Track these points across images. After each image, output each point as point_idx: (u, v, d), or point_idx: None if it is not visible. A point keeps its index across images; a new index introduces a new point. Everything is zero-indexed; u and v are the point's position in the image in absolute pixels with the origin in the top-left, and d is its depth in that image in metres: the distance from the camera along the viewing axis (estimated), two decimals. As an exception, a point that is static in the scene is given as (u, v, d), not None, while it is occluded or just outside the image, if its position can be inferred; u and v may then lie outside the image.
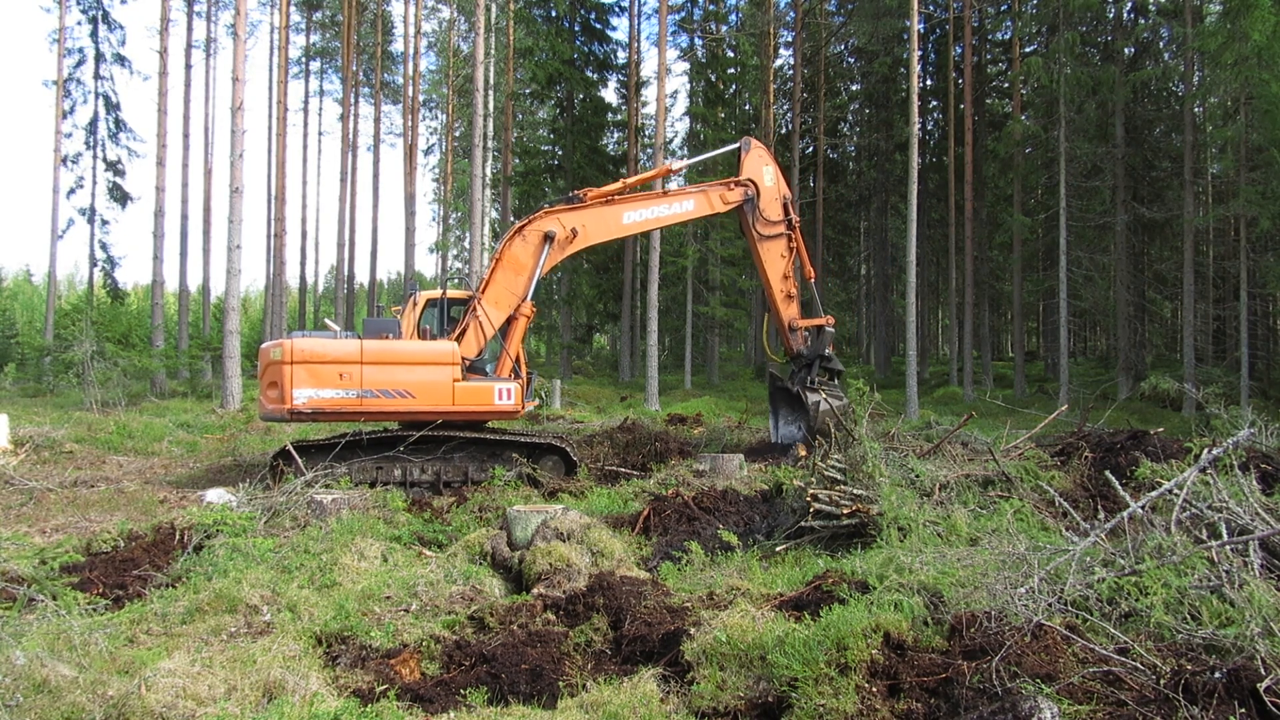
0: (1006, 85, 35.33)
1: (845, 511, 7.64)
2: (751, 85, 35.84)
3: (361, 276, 45.64)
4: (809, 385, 13.98)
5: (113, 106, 34.51)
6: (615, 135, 40.42)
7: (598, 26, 34.35)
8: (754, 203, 13.83)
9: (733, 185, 13.81)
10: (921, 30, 34.57)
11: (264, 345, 12.34)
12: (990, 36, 36.51)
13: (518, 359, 12.47)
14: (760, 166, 14.01)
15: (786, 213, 14.13)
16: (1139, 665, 4.21)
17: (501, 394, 11.92)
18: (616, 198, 13.10)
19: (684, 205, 13.58)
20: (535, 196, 31.05)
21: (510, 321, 12.51)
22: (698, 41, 35.91)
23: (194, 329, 36.83)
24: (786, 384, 14.41)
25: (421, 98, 45.16)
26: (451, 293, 12.80)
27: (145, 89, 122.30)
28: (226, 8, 37.71)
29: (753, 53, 33.68)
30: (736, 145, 14.38)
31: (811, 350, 14.28)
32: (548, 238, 12.43)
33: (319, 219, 68.59)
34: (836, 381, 14.52)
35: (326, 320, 15.63)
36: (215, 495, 10.30)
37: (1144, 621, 4.87)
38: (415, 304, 12.62)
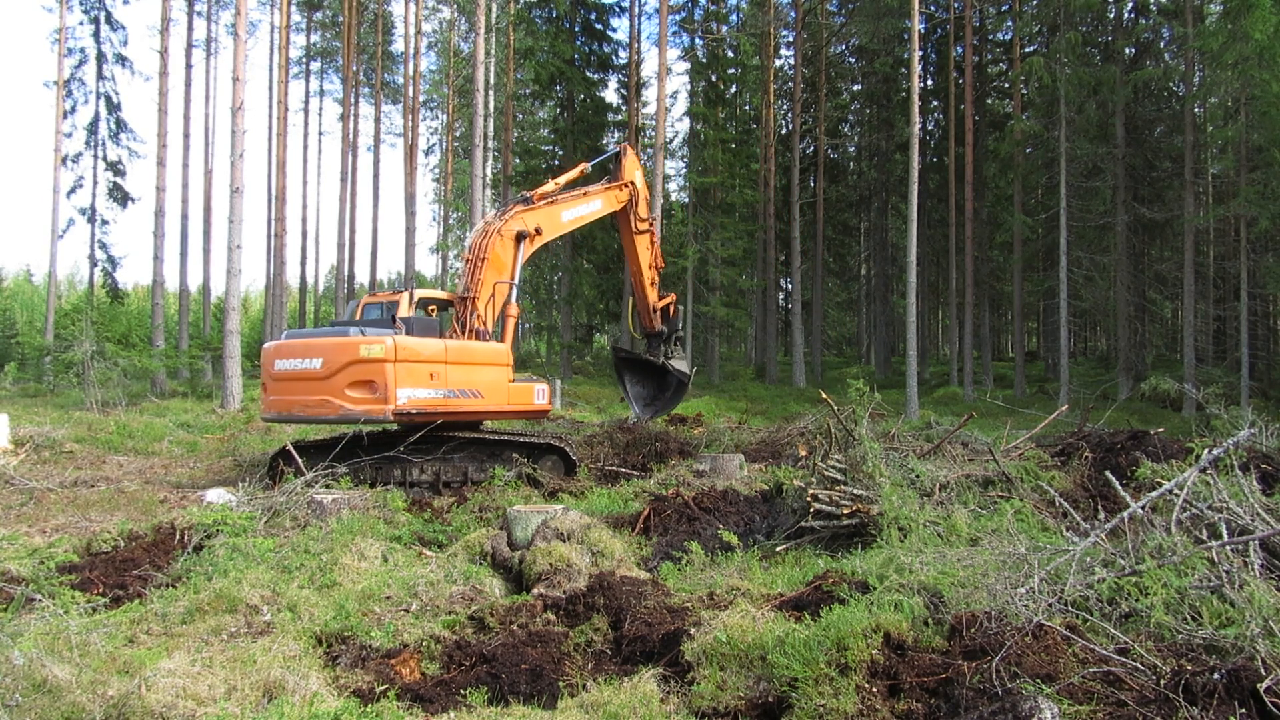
0: (1007, 85, 35.33)
1: (845, 511, 7.63)
2: (752, 85, 35.82)
3: (362, 276, 45.69)
4: (669, 357, 16.62)
5: (114, 107, 34.55)
6: (615, 135, 40.34)
7: (598, 27, 34.33)
8: (633, 202, 15.45)
9: (621, 187, 15.34)
10: (922, 30, 34.55)
11: (347, 339, 10.90)
12: (991, 36, 36.51)
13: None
14: (635, 171, 15.61)
15: (650, 210, 16.24)
16: (1139, 665, 4.20)
17: (539, 394, 12.60)
18: (557, 198, 14.12)
19: (594, 204, 14.81)
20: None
21: (502, 320, 12.74)
22: (698, 41, 35.89)
23: (194, 329, 36.84)
24: (635, 356, 17.10)
25: (422, 98, 45.18)
26: (452, 294, 12.88)
27: (146, 89, 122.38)
28: (227, 7, 37.77)
29: (753, 53, 33.65)
30: (616, 150, 15.90)
31: (669, 326, 16.61)
32: (520, 237, 12.98)
33: (319, 219, 68.77)
34: (679, 345, 17.11)
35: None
36: (215, 495, 10.29)
37: (1144, 622, 4.86)
38: (414, 302, 12.62)
